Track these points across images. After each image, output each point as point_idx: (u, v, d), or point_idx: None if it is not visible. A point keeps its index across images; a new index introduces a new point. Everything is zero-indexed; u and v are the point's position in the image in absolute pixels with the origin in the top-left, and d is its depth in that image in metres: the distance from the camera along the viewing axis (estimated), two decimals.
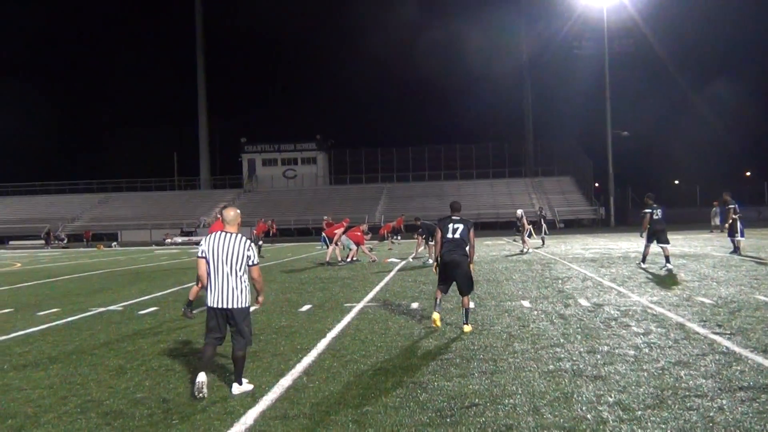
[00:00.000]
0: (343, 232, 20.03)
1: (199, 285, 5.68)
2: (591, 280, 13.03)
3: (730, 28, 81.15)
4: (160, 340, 7.97)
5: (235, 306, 5.44)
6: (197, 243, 45.05)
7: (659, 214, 14.99)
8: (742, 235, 18.20)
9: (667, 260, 14.50)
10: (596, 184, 66.68)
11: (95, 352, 7.32)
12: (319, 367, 6.35)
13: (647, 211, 14.91)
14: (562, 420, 4.61)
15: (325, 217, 30.92)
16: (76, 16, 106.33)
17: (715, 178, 61.39)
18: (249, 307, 5.54)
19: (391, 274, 15.95)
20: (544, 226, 28.17)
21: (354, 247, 20.34)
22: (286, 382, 5.79)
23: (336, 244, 19.84)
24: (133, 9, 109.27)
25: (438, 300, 8.30)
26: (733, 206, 18.04)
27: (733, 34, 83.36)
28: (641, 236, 15.76)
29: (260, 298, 5.90)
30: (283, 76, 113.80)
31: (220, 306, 5.45)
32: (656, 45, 63.69)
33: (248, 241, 5.60)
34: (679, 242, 21.60)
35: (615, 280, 12.92)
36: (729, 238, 18.85)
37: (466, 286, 8.21)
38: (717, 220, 32.35)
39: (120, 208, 66.19)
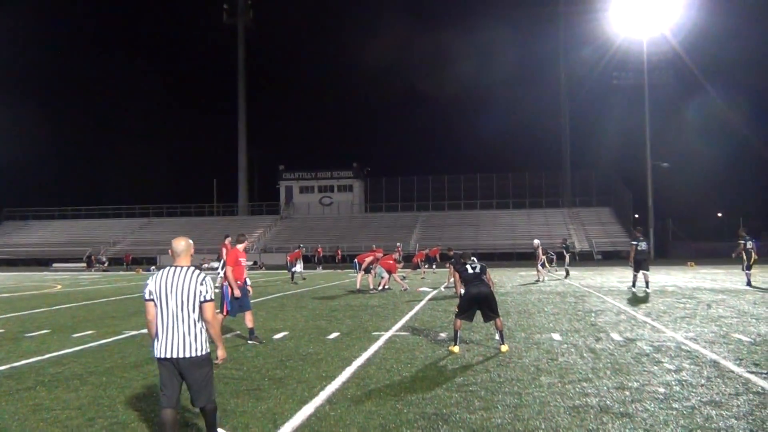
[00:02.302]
0: (376, 261, 20.12)
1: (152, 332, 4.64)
2: (625, 314, 12.77)
3: None
4: None
5: (185, 355, 4.48)
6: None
7: (644, 246, 18.15)
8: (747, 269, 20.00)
9: (647, 285, 17.92)
10: (635, 216, 65.56)
11: (125, 375, 7.44)
12: (343, 395, 6.35)
13: (633, 243, 18.11)
14: None
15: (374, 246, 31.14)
16: (120, 44, 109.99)
17: (761, 210, 59.82)
18: (206, 354, 4.58)
19: (422, 303, 15.88)
20: (567, 256, 28.11)
21: (386, 275, 20.37)
22: (308, 409, 5.81)
23: (368, 272, 19.95)
24: (175, 38, 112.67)
25: (458, 332, 8.84)
26: (743, 242, 19.91)
27: None
28: (630, 265, 18.76)
29: (219, 352, 4.79)
30: (321, 104, 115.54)
31: (167, 356, 4.50)
32: (697, 75, 62.92)
33: (201, 275, 4.63)
34: (720, 277, 21.01)
35: (650, 314, 12.64)
36: (745, 272, 20.19)
37: (496, 310, 8.80)
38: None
39: (160, 232, 67.45)
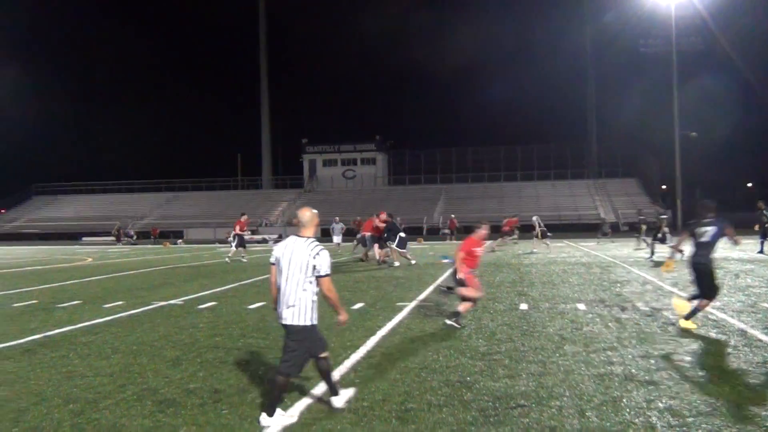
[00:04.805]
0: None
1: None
2: (651, 284, 12.67)
3: None
4: (215, 333, 8.21)
5: (289, 322, 4.71)
6: (259, 242, 46.08)
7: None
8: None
9: None
10: (663, 187, 64.60)
11: (154, 344, 7.60)
12: (367, 363, 6.42)
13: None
14: (608, 424, 4.53)
15: (358, 218, 31.11)
16: (145, 21, 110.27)
17: None
18: (310, 326, 4.75)
19: (446, 274, 15.90)
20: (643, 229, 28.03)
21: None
22: (334, 377, 5.87)
23: (381, 246, 19.65)
24: (196, 13, 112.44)
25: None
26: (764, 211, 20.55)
27: None
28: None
29: (341, 317, 5.04)
30: (344, 77, 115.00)
31: (281, 322, 4.79)
32: (726, 42, 61.22)
33: (317, 248, 4.73)
34: (749, 247, 20.70)
35: (676, 284, 12.51)
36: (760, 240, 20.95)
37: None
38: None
39: (186, 206, 68.22)
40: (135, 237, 50.70)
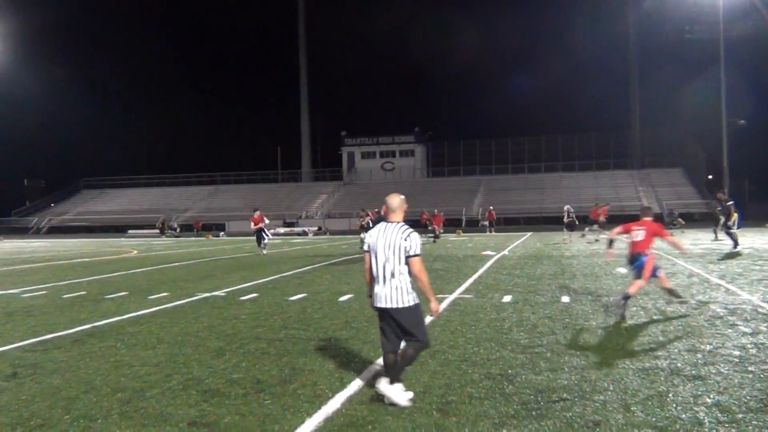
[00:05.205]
0: None
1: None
2: (697, 277, 12.37)
3: None
4: (257, 324, 8.32)
5: (393, 305, 4.82)
6: (299, 234, 46.51)
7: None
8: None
9: None
10: (709, 177, 62.90)
11: (198, 334, 7.74)
12: None
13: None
14: (654, 419, 4.44)
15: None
16: (187, 18, 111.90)
17: None
18: (413, 305, 4.86)
19: (486, 266, 15.81)
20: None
21: None
22: (374, 368, 5.90)
23: None
24: (237, 8, 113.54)
25: None
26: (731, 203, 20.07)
27: None
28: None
29: (432, 305, 5.03)
30: (382, 69, 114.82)
31: (380, 305, 4.90)
32: None
33: (407, 230, 4.88)
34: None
35: (724, 277, 12.20)
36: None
37: None
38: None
39: (228, 199, 69.26)
40: (178, 230, 51.70)
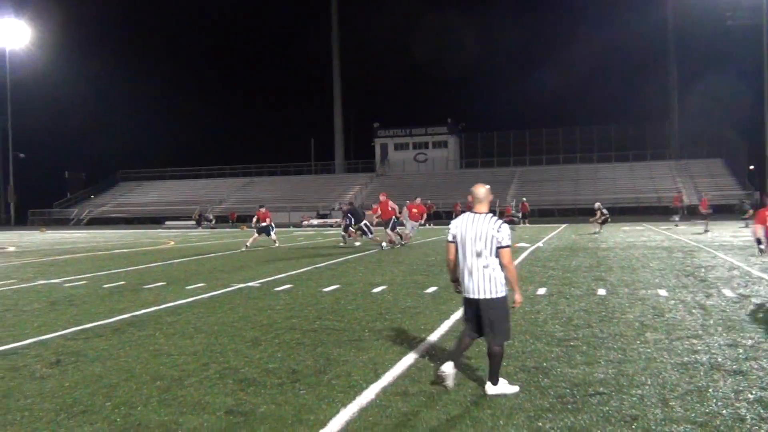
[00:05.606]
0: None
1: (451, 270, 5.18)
2: (738, 270, 12.09)
3: None
4: (292, 315, 8.40)
5: (483, 296, 4.88)
6: (331, 225, 46.72)
7: None
8: None
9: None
10: (751, 167, 61.29)
11: (234, 324, 7.85)
12: (442, 347, 6.41)
13: None
14: (693, 414, 4.36)
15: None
16: (219, 10, 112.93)
17: None
18: (502, 297, 4.91)
19: (520, 258, 15.69)
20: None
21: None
22: (408, 360, 5.92)
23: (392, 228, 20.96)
24: (272, 0, 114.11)
25: None
26: None
27: None
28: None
29: (516, 297, 5.01)
30: (415, 60, 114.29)
31: (470, 296, 4.97)
32: None
33: (499, 221, 4.92)
34: None
35: (767, 270, 11.89)
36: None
37: None
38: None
39: (262, 191, 69.86)
40: (214, 221, 52.34)
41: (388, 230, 20.76)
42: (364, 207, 58.27)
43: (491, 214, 4.99)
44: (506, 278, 4.93)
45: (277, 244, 22.51)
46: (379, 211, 21.25)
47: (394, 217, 21.01)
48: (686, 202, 29.49)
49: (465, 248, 4.95)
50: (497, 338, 4.88)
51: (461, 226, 5.02)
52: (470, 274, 4.92)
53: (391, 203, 21.22)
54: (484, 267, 4.85)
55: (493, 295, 4.85)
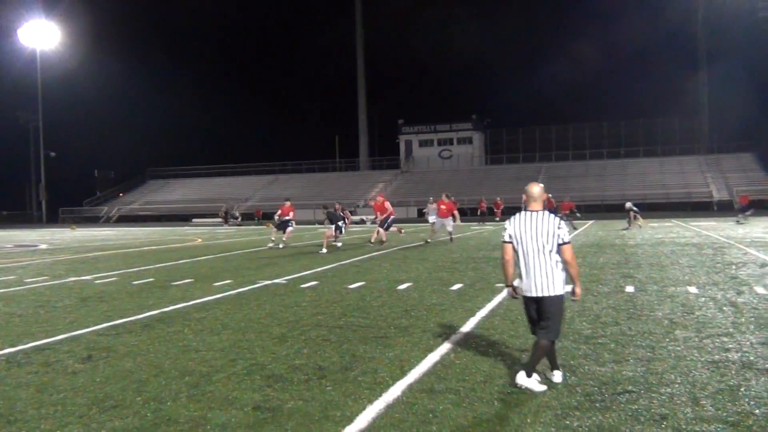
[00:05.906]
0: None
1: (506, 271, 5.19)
2: None
3: None
4: (318, 312, 8.44)
5: (544, 294, 4.90)
6: (356, 222, 46.79)
7: None
8: None
9: None
10: None
11: (261, 321, 7.92)
12: (468, 344, 6.40)
13: None
14: (725, 414, 4.29)
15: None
16: (244, 10, 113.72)
17: None
18: (562, 295, 4.95)
19: None
20: None
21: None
22: (434, 357, 5.91)
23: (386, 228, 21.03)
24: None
25: None
26: None
27: None
28: None
29: (577, 290, 5.05)
30: (439, 56, 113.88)
31: (530, 294, 4.98)
32: None
33: (558, 219, 4.98)
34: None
35: None
36: None
37: None
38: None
39: (287, 188, 70.18)
40: (240, 218, 52.78)
41: (382, 228, 20.88)
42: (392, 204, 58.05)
43: (547, 212, 5.01)
44: (567, 273, 4.92)
45: (282, 246, 20.68)
46: (388, 207, 21.39)
47: (389, 216, 21.16)
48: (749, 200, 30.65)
49: (525, 247, 4.95)
50: (550, 333, 4.92)
51: (518, 226, 5.02)
52: (530, 272, 4.93)
53: (387, 204, 21.45)
54: (545, 264, 4.87)
55: (554, 293, 4.88)
